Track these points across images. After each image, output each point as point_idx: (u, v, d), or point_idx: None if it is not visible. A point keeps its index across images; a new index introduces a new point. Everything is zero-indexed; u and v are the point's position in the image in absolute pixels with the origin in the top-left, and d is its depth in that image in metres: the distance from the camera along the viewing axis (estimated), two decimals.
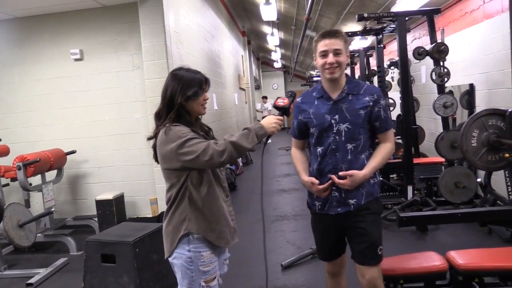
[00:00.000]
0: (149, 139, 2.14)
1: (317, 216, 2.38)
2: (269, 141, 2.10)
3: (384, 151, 2.29)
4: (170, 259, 2.11)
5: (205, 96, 2.11)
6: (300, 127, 2.38)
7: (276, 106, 2.16)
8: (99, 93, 5.58)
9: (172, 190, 2.05)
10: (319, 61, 2.26)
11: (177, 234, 2.03)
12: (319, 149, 2.28)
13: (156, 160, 2.12)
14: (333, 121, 2.24)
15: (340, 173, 2.20)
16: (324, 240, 2.42)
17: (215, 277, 2.12)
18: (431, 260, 2.44)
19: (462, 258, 2.37)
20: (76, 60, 5.57)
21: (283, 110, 2.12)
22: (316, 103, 2.31)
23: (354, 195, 2.24)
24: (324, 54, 2.22)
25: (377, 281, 2.22)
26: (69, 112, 5.66)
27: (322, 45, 2.22)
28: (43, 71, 5.66)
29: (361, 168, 2.22)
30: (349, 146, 2.23)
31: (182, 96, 2.02)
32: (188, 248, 2.03)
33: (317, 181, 2.25)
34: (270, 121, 2.02)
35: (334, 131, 2.24)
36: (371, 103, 2.23)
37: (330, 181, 2.23)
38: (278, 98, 2.19)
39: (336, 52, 2.20)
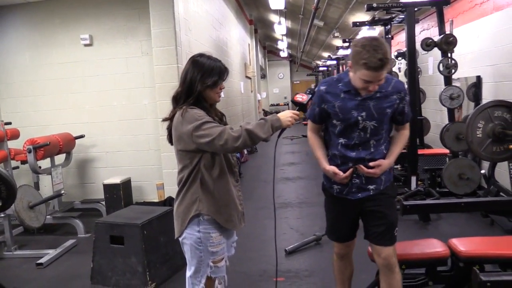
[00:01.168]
0: (164, 120, 2.18)
1: (334, 199, 2.42)
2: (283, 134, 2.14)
3: (404, 139, 2.39)
4: (180, 239, 2.17)
5: (222, 85, 2.15)
6: (321, 114, 2.34)
7: (294, 101, 2.17)
8: (108, 78, 5.64)
9: (184, 172, 2.10)
10: (358, 80, 2.14)
11: (188, 214, 2.09)
12: (342, 141, 2.29)
13: (170, 141, 2.17)
14: (359, 118, 2.23)
15: (371, 163, 2.24)
16: (340, 222, 2.47)
17: (223, 258, 2.19)
18: (433, 247, 2.50)
19: (463, 245, 2.43)
20: (85, 45, 5.63)
21: (300, 106, 2.13)
22: (342, 96, 2.25)
23: (374, 181, 2.30)
24: (368, 82, 2.11)
25: (393, 259, 2.27)
26: (79, 97, 5.73)
27: (367, 76, 2.07)
28: (54, 55, 5.72)
29: (382, 157, 2.29)
30: (372, 141, 2.27)
31: (202, 84, 2.06)
32: (198, 228, 2.09)
33: (339, 172, 2.28)
34: (287, 114, 2.02)
35: (360, 128, 2.25)
36: (398, 101, 2.26)
37: (351, 170, 2.27)
38: (297, 93, 2.21)
39: (380, 80, 2.12)
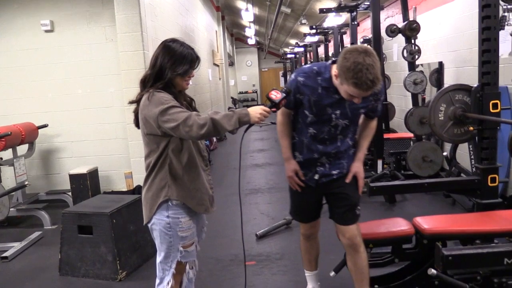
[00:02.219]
0: (130, 102, 2.15)
1: (301, 172, 2.44)
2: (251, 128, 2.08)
3: (372, 132, 2.47)
4: (149, 225, 2.16)
5: (192, 74, 2.12)
6: (296, 102, 2.30)
7: (268, 97, 2.08)
8: (72, 66, 5.47)
9: (152, 157, 2.08)
10: (343, 92, 2.11)
11: (156, 200, 2.08)
12: (312, 131, 2.32)
13: (137, 125, 2.14)
14: (333, 115, 2.25)
15: (347, 179, 2.35)
16: (304, 203, 2.52)
17: (193, 243, 2.19)
18: (399, 225, 2.59)
19: (427, 223, 2.52)
20: (46, 31, 5.43)
21: (273, 103, 2.06)
22: (319, 91, 2.22)
23: (337, 167, 2.36)
24: (352, 96, 2.09)
25: (357, 239, 2.34)
26: (41, 85, 5.54)
27: (354, 93, 2.03)
28: (13, 42, 5.49)
29: (347, 148, 2.36)
30: (340, 136, 2.33)
31: (172, 72, 2.03)
32: (167, 214, 2.08)
33: (301, 173, 2.37)
34: (257, 110, 1.96)
35: (332, 124, 2.28)
36: (372, 102, 2.30)
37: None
38: (273, 89, 2.12)
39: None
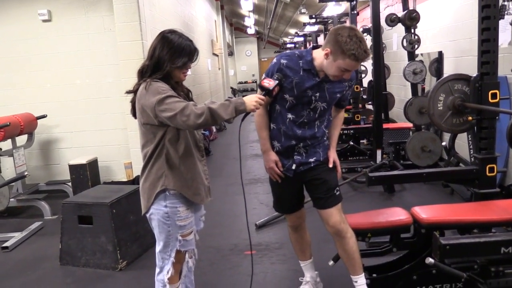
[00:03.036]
0: (127, 92, 2.15)
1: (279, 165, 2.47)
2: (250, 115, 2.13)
3: (341, 122, 2.65)
4: (147, 215, 2.17)
5: (189, 65, 2.12)
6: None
7: (261, 86, 2.15)
8: (70, 55, 5.45)
9: (148, 147, 2.09)
10: (333, 67, 2.17)
11: (153, 190, 2.09)
12: (290, 116, 2.35)
13: (134, 115, 2.14)
14: (313, 97, 2.30)
15: (330, 163, 2.44)
16: (284, 194, 2.55)
17: (192, 232, 2.21)
18: (397, 215, 2.60)
19: (425, 212, 2.54)
20: (44, 21, 5.40)
21: (267, 91, 2.11)
22: (301, 73, 2.28)
23: (313, 155, 2.42)
24: (345, 70, 2.17)
25: (341, 225, 2.36)
26: (39, 75, 5.52)
27: (349, 65, 2.13)
28: (10, 32, 5.46)
29: (322, 135, 2.43)
30: (317, 122, 2.39)
31: (172, 65, 2.03)
32: (165, 203, 2.10)
33: (280, 164, 2.41)
34: (252, 98, 2.01)
35: (311, 107, 2.33)
36: (347, 88, 2.42)
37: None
38: (265, 77, 2.19)
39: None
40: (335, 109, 2.54)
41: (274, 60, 2.37)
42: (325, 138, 2.48)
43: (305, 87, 2.28)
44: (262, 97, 2.07)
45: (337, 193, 2.41)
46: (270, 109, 2.45)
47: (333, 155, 2.48)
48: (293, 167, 2.41)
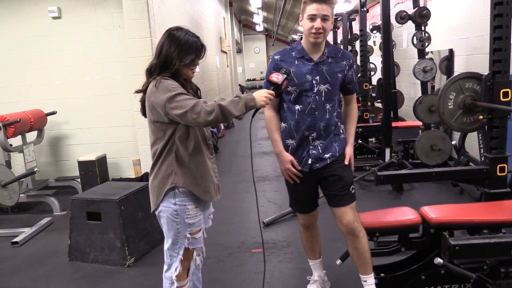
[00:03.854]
0: (137, 92, 2.15)
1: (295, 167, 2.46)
2: (259, 111, 2.14)
3: (355, 115, 2.56)
4: (156, 212, 2.18)
5: (197, 62, 2.12)
6: None
7: (269, 81, 2.15)
8: (79, 53, 5.48)
9: (158, 145, 2.09)
10: (305, 23, 2.28)
11: (163, 188, 2.09)
12: (298, 107, 2.36)
13: (144, 114, 2.15)
14: (314, 81, 2.33)
15: (346, 161, 2.40)
16: (301, 193, 2.53)
17: (200, 230, 2.21)
18: (406, 214, 2.58)
19: (434, 212, 2.51)
20: (54, 18, 5.43)
21: (275, 86, 2.12)
22: (296, 62, 2.35)
23: (329, 150, 2.39)
24: (312, 18, 2.24)
25: (355, 224, 2.34)
26: (49, 72, 5.55)
27: (312, 9, 2.23)
28: (20, 29, 5.50)
29: (334, 124, 2.40)
30: (327, 106, 2.36)
31: (180, 62, 2.03)
32: (174, 201, 2.10)
33: (296, 163, 2.38)
34: (262, 94, 2.02)
35: (315, 91, 2.33)
36: (347, 67, 2.41)
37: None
38: (273, 72, 2.19)
39: (324, 18, 2.24)
40: (344, 97, 2.52)
41: (270, 62, 2.48)
42: (341, 131, 2.44)
43: (303, 73, 2.33)
44: (272, 91, 2.07)
45: (352, 191, 2.39)
46: (279, 110, 2.46)
47: (349, 153, 2.45)
48: (309, 161, 2.38)
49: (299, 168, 2.40)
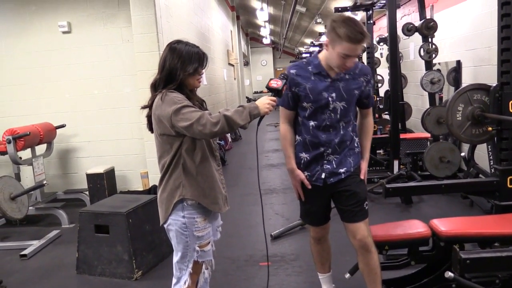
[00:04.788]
0: (143, 108, 2.17)
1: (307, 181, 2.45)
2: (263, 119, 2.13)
3: (371, 129, 2.54)
4: (165, 225, 2.17)
5: (201, 71, 2.14)
6: (294, 98, 2.36)
7: (269, 88, 2.12)
8: (88, 66, 5.55)
9: (166, 158, 2.10)
10: (335, 55, 2.17)
11: (171, 200, 2.09)
12: (313, 123, 2.34)
13: (150, 129, 2.17)
14: (330, 98, 2.28)
15: (362, 176, 2.40)
16: (314, 206, 2.51)
17: (209, 242, 2.20)
18: (415, 227, 2.55)
19: (444, 225, 2.49)
20: (64, 32, 5.51)
21: (276, 92, 2.10)
22: (313, 78, 2.30)
23: (344, 165, 2.36)
24: (345, 57, 2.15)
25: (368, 240, 2.32)
26: (58, 85, 5.62)
27: (347, 49, 2.11)
28: (31, 44, 5.59)
29: (350, 139, 2.36)
30: (342, 122, 2.34)
31: (184, 73, 2.05)
32: (183, 214, 2.10)
33: (306, 182, 2.39)
34: (264, 101, 2.02)
35: (330, 109, 2.30)
36: (364, 83, 2.36)
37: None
38: (271, 79, 2.16)
39: (356, 54, 2.19)
40: (360, 111, 2.48)
41: (284, 72, 2.39)
42: (355, 145, 2.42)
43: (319, 89, 2.29)
44: (274, 98, 2.07)
45: (366, 207, 2.37)
46: (294, 123, 2.44)
47: (365, 168, 2.44)
48: (323, 175, 2.36)
49: (309, 187, 2.40)
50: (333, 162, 2.35)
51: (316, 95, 2.29)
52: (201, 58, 2.12)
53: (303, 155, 2.41)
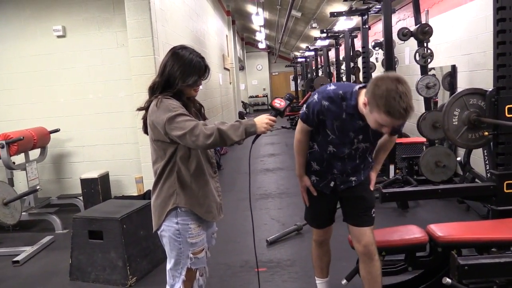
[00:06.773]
0: (139, 109, 2.14)
1: (314, 187, 2.44)
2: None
3: (390, 147, 2.47)
4: (158, 232, 2.15)
5: (200, 83, 2.11)
6: (318, 121, 2.23)
7: (272, 107, 2.07)
8: (83, 70, 5.51)
9: (159, 163, 2.07)
10: (372, 121, 2.00)
11: (165, 208, 2.07)
12: (331, 149, 2.28)
13: (146, 132, 2.13)
14: (355, 140, 2.23)
15: (371, 186, 2.38)
16: (319, 209, 2.51)
17: (203, 249, 2.17)
18: (412, 233, 2.54)
19: (441, 230, 2.47)
20: (58, 37, 5.48)
21: (278, 112, 2.05)
22: (344, 116, 2.15)
23: (355, 175, 2.36)
24: (382, 126, 2.00)
25: (372, 247, 2.31)
26: (53, 90, 5.58)
27: (385, 122, 1.93)
28: (26, 48, 5.54)
29: (366, 164, 2.37)
30: (358, 154, 2.32)
31: (182, 83, 2.01)
32: (176, 220, 2.07)
33: (313, 189, 2.41)
34: (263, 120, 1.95)
35: (353, 148, 2.27)
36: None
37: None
38: (275, 98, 2.12)
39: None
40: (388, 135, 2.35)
41: (315, 97, 2.20)
42: (369, 159, 2.40)
43: (347, 129, 2.18)
44: (273, 117, 2.00)
45: (373, 215, 2.36)
46: (314, 131, 2.32)
47: (374, 179, 2.41)
48: (332, 184, 2.37)
49: (315, 194, 2.41)
50: (344, 173, 2.35)
51: (342, 133, 2.21)
52: (203, 70, 2.08)
53: (315, 165, 2.40)
